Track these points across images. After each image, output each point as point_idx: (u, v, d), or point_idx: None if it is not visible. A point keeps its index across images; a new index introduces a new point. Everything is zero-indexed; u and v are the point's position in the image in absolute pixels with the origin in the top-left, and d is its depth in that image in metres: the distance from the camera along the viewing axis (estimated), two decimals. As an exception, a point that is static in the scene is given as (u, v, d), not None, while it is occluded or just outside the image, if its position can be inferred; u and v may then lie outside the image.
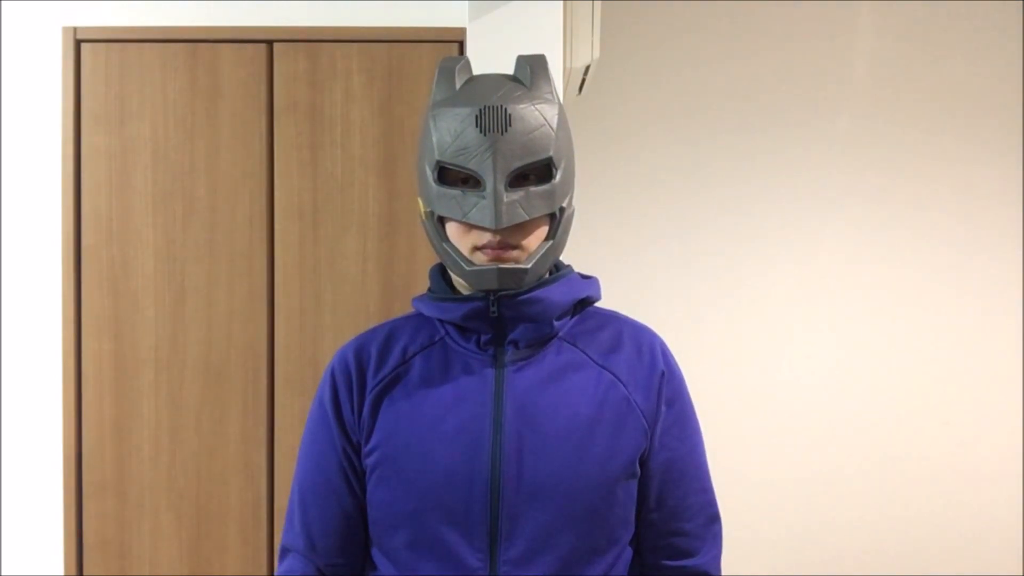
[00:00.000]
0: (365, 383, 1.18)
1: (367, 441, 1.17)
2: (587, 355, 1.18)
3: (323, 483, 1.20)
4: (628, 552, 1.21)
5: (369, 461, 1.17)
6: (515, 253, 1.11)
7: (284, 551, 1.24)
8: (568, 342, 1.18)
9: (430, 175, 1.12)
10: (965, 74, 2.99)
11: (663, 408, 1.19)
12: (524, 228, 1.11)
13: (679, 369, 1.24)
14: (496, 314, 1.13)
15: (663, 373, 1.20)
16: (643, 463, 1.18)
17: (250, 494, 2.13)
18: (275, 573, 1.26)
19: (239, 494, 2.13)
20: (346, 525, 1.20)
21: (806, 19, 2.98)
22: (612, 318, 1.24)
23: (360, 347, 1.21)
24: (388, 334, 1.22)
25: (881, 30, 2.99)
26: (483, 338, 1.16)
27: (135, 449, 2.13)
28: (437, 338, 1.19)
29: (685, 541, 1.22)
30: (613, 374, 1.17)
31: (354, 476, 1.20)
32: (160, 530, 2.13)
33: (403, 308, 2.09)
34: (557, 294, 1.16)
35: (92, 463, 2.13)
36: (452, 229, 1.13)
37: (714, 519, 1.25)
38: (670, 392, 1.20)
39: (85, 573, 2.14)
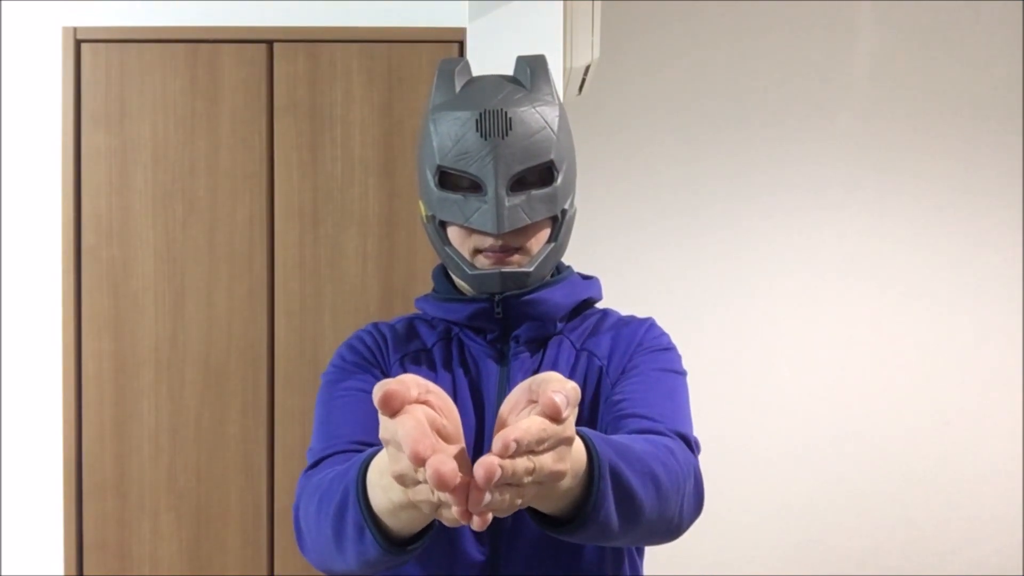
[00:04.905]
0: (388, 355, 1.18)
1: None
2: (570, 341, 1.18)
3: (361, 398, 1.10)
4: (630, 550, 1.21)
5: None
6: (517, 256, 1.11)
7: (303, 485, 1.04)
8: (558, 334, 1.19)
9: (431, 179, 1.12)
10: (965, 74, 2.99)
11: (635, 353, 1.15)
12: (526, 231, 1.11)
13: (664, 333, 1.20)
14: (500, 315, 1.13)
15: (641, 336, 1.17)
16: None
17: (250, 494, 2.13)
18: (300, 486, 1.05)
19: (239, 494, 2.13)
20: None
21: (806, 19, 2.98)
22: (600, 310, 1.25)
23: (379, 327, 1.22)
24: (406, 326, 1.22)
25: (881, 30, 2.99)
26: (490, 335, 1.16)
27: (135, 449, 2.13)
28: (453, 334, 1.20)
29: (645, 423, 1.06)
30: (589, 351, 1.17)
31: None
32: (160, 530, 2.13)
33: (403, 308, 2.09)
34: (560, 295, 1.16)
35: (92, 463, 2.13)
36: (454, 233, 1.13)
37: (686, 440, 1.06)
38: (646, 343, 1.16)
39: (85, 573, 2.14)
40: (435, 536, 1.11)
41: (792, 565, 3.01)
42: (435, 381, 1.15)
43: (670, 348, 1.19)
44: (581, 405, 1.14)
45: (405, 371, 1.15)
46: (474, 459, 1.09)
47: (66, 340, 2.12)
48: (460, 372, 1.16)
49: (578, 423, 1.09)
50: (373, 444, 1.05)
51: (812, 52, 2.98)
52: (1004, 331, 3.02)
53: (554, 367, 1.16)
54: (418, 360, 1.17)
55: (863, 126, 3.00)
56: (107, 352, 2.12)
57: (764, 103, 2.98)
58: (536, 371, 1.15)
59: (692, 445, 1.06)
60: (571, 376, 1.15)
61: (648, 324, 1.21)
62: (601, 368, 1.16)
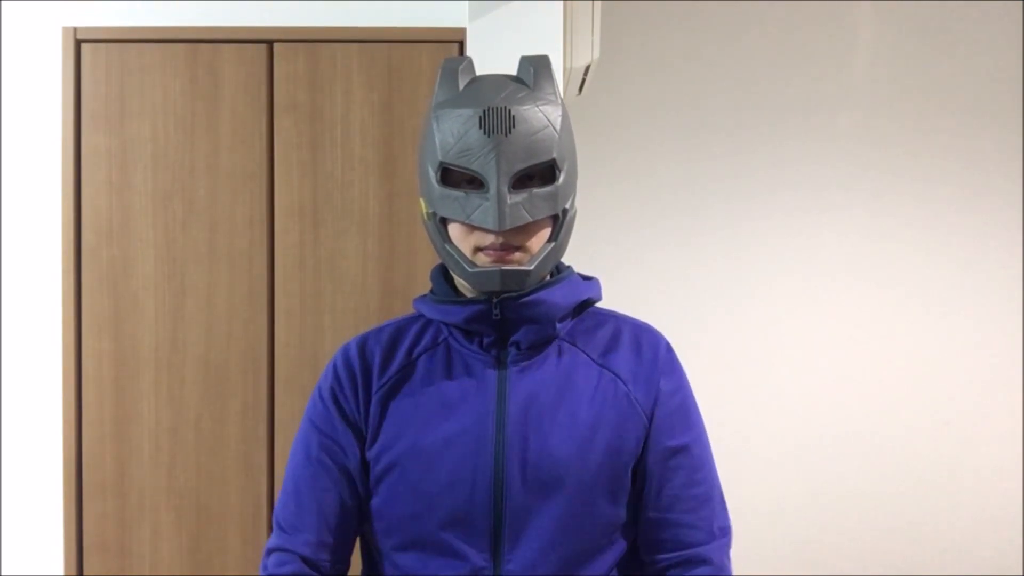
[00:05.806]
0: (371, 384, 1.17)
1: (372, 443, 1.16)
2: (587, 354, 1.18)
3: (322, 471, 1.17)
4: (637, 557, 1.20)
5: (374, 465, 1.16)
6: (517, 255, 1.11)
7: (269, 551, 1.18)
8: (567, 342, 1.18)
9: (433, 176, 1.12)
10: (965, 74, 2.99)
11: (662, 401, 1.18)
12: (527, 230, 1.10)
13: (680, 365, 1.23)
14: (499, 317, 1.13)
15: (663, 368, 1.19)
16: (642, 458, 1.17)
17: (250, 494, 2.13)
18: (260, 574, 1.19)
19: (239, 494, 2.13)
20: (342, 512, 1.17)
21: (806, 18, 2.98)
22: (611, 316, 1.24)
23: (365, 345, 1.21)
24: (393, 334, 1.21)
25: (881, 29, 2.99)
26: (486, 340, 1.15)
27: (135, 449, 2.12)
28: (441, 339, 1.19)
29: (686, 533, 1.17)
30: (613, 372, 1.17)
31: (357, 467, 1.17)
32: (160, 530, 2.13)
33: (403, 308, 2.09)
34: (559, 296, 1.16)
35: (92, 463, 2.12)
36: (454, 230, 1.12)
37: (721, 530, 1.19)
38: (670, 386, 1.19)
39: (85, 573, 2.13)
40: (437, 543, 1.12)
41: (792, 565, 3.01)
42: (416, 404, 1.15)
43: (683, 376, 1.22)
44: (606, 417, 1.15)
45: (383, 408, 1.16)
46: (471, 467, 1.10)
47: (66, 340, 2.11)
48: (448, 384, 1.15)
49: (605, 444, 1.11)
50: (329, 544, 1.16)
51: (812, 52, 2.98)
52: (1004, 331, 3.02)
53: (569, 379, 1.16)
54: (397, 388, 1.17)
55: (863, 126, 3.00)
56: (107, 352, 2.12)
57: (764, 103, 2.98)
58: (543, 379, 1.15)
59: (729, 537, 1.20)
60: (594, 395, 1.15)
61: (664, 346, 1.22)
62: (628, 395, 1.16)
